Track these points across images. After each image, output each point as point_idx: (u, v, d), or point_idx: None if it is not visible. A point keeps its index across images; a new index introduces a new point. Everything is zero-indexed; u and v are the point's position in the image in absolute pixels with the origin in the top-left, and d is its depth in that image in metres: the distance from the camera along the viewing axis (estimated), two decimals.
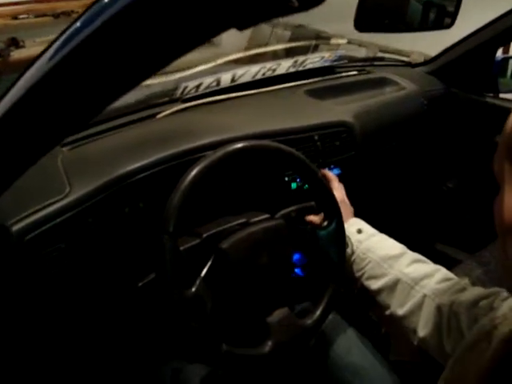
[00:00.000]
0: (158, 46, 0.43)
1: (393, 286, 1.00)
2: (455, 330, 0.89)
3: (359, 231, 1.08)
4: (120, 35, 0.42)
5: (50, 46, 0.46)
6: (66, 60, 0.44)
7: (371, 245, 1.05)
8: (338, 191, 1.14)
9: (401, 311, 0.98)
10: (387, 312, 1.02)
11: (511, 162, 0.50)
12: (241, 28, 0.40)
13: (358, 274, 1.06)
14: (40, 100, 0.49)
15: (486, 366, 0.62)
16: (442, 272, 0.99)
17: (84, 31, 0.42)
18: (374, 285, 1.03)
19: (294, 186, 1.24)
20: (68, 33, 0.44)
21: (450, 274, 0.99)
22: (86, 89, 0.47)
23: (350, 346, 1.09)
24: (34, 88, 0.47)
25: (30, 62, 0.49)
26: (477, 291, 0.90)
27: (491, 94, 1.78)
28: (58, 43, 0.45)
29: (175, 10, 0.39)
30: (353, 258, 1.06)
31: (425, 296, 0.95)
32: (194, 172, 0.88)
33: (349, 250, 1.06)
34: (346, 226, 1.08)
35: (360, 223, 1.11)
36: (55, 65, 0.44)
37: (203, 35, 0.42)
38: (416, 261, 1.02)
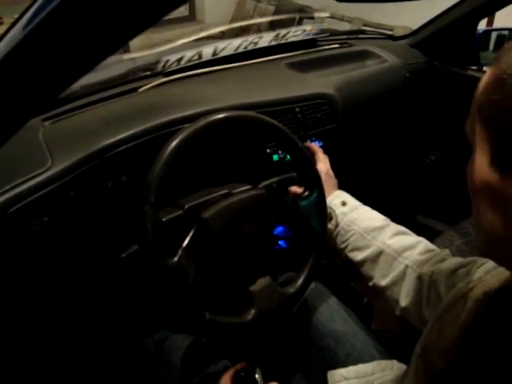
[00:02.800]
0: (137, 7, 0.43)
1: (376, 258, 1.02)
2: (434, 297, 0.92)
3: (343, 203, 1.10)
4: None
5: (22, 15, 0.46)
6: (40, 28, 0.44)
7: (355, 217, 1.07)
8: (323, 163, 1.16)
9: (384, 282, 1.00)
10: (370, 283, 1.04)
11: (481, 124, 0.52)
12: None
13: (342, 246, 1.08)
14: (14, 68, 0.48)
15: (461, 325, 0.64)
16: (424, 243, 1.02)
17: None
18: (358, 256, 1.05)
19: (275, 157, 1.25)
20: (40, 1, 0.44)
21: (431, 246, 1.01)
22: (60, 56, 0.47)
23: (332, 314, 1.11)
24: (8, 56, 0.47)
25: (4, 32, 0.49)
26: (456, 261, 0.92)
27: (473, 67, 1.79)
28: (31, 12, 0.45)
29: None
30: (337, 229, 1.08)
31: (407, 267, 0.97)
32: (175, 142, 0.88)
33: (333, 222, 1.08)
34: (330, 198, 1.10)
35: (344, 195, 1.13)
36: (29, 32, 0.44)
37: None
38: (399, 233, 1.04)
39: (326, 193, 1.08)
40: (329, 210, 1.08)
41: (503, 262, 0.59)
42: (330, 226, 1.08)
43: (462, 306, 0.67)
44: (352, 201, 1.12)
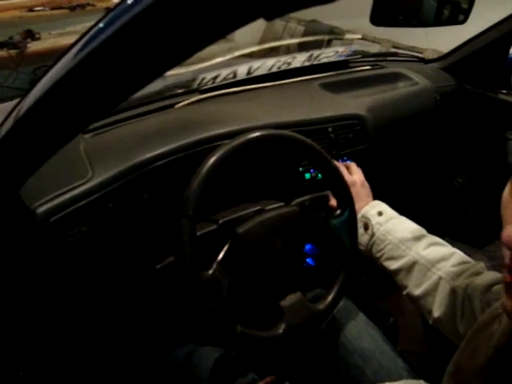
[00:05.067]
0: (186, 37, 0.45)
1: (410, 268, 1.03)
2: (469, 312, 0.92)
3: (380, 213, 1.11)
4: (142, 35, 0.44)
5: (75, 44, 0.49)
6: (90, 57, 0.46)
7: (391, 227, 1.09)
8: (358, 174, 1.18)
9: (417, 292, 1.01)
10: (404, 292, 1.06)
11: None
12: (269, 18, 0.42)
13: (377, 255, 1.10)
14: (66, 92, 0.51)
15: (495, 345, 0.65)
16: (458, 254, 1.02)
17: (106, 31, 0.45)
18: (392, 266, 1.06)
19: (307, 176, 1.27)
20: (92, 32, 0.47)
21: (465, 258, 1.02)
22: (108, 82, 0.50)
23: (360, 332, 1.11)
24: (61, 81, 0.50)
25: (56, 58, 0.52)
26: (491, 276, 0.93)
27: (504, 91, 1.79)
28: (82, 41, 0.48)
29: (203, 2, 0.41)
30: (373, 239, 1.10)
31: (440, 278, 0.98)
32: (213, 158, 0.90)
33: (369, 232, 1.10)
34: (367, 207, 1.12)
35: (381, 205, 1.15)
36: (80, 61, 0.47)
37: (232, 24, 0.44)
38: (433, 243, 1.05)
39: (363, 202, 1.11)
40: (365, 220, 1.10)
41: None
42: (367, 235, 1.10)
43: (496, 325, 0.68)
44: (389, 211, 1.13)
